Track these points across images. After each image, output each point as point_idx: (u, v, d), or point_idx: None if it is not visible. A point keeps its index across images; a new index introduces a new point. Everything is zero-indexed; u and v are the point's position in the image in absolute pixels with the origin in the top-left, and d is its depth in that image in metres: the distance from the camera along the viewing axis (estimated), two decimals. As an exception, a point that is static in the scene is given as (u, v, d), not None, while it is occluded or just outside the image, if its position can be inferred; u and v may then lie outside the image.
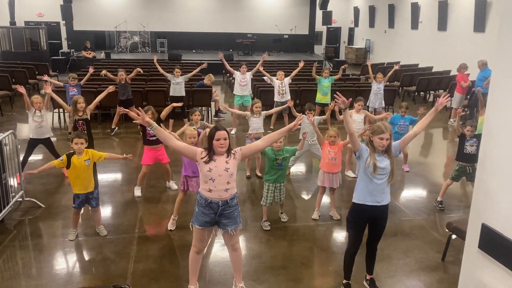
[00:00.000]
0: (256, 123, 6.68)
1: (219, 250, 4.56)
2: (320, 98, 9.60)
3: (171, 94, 9.20)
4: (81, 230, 4.87)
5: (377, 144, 3.43)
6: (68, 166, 4.51)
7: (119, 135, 8.89)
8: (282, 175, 5.09)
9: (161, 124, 5.88)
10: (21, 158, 5.65)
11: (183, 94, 9.13)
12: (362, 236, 3.72)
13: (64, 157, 4.53)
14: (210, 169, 3.38)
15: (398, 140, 3.65)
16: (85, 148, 4.59)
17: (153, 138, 5.77)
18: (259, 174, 6.62)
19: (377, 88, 9.60)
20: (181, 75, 9.12)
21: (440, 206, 5.71)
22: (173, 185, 6.20)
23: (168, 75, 9.12)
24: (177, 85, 9.05)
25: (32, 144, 6.24)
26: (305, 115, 6.64)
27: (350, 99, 3.50)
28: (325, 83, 9.49)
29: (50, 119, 9.82)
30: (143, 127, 5.74)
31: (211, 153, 3.41)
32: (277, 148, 4.95)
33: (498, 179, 3.28)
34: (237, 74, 9.31)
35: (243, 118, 8.76)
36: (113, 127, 8.90)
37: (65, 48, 19.78)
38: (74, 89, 8.50)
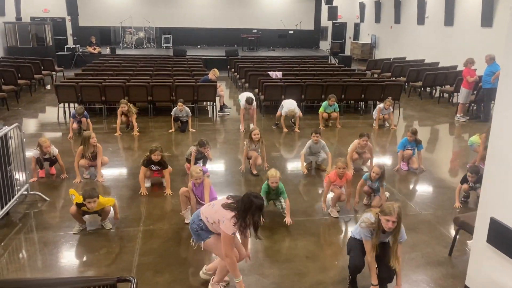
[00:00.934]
0: (253, 150, 6.60)
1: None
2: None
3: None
4: (86, 223, 4.88)
5: (383, 225, 3.49)
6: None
7: (123, 130, 8.86)
8: (276, 199, 5.21)
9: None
10: (26, 152, 5.66)
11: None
12: (362, 254, 3.68)
13: (74, 208, 4.67)
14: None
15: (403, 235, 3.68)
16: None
17: (156, 170, 5.94)
18: (254, 172, 6.53)
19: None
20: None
21: (464, 199, 5.77)
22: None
23: (173, 111, 8.86)
24: (181, 118, 8.92)
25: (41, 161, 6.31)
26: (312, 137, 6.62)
27: None
28: (329, 111, 9.31)
29: (55, 115, 9.85)
30: (148, 166, 5.83)
31: (247, 228, 3.41)
32: (273, 186, 5.00)
33: (507, 172, 3.23)
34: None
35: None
36: (116, 134, 8.53)
37: (70, 44, 19.83)
38: (79, 118, 8.38)
